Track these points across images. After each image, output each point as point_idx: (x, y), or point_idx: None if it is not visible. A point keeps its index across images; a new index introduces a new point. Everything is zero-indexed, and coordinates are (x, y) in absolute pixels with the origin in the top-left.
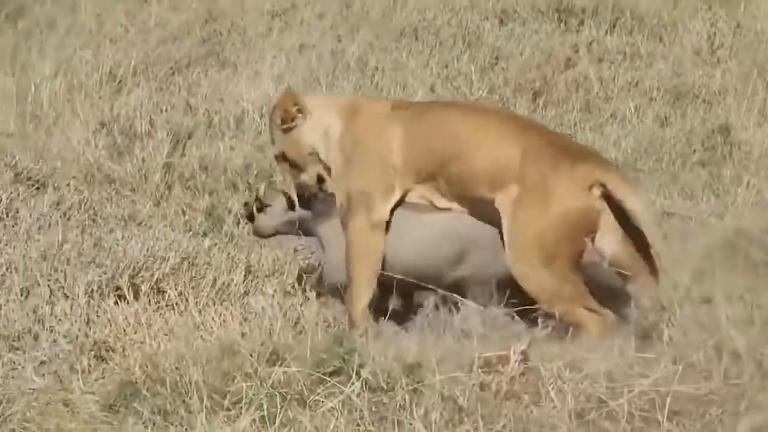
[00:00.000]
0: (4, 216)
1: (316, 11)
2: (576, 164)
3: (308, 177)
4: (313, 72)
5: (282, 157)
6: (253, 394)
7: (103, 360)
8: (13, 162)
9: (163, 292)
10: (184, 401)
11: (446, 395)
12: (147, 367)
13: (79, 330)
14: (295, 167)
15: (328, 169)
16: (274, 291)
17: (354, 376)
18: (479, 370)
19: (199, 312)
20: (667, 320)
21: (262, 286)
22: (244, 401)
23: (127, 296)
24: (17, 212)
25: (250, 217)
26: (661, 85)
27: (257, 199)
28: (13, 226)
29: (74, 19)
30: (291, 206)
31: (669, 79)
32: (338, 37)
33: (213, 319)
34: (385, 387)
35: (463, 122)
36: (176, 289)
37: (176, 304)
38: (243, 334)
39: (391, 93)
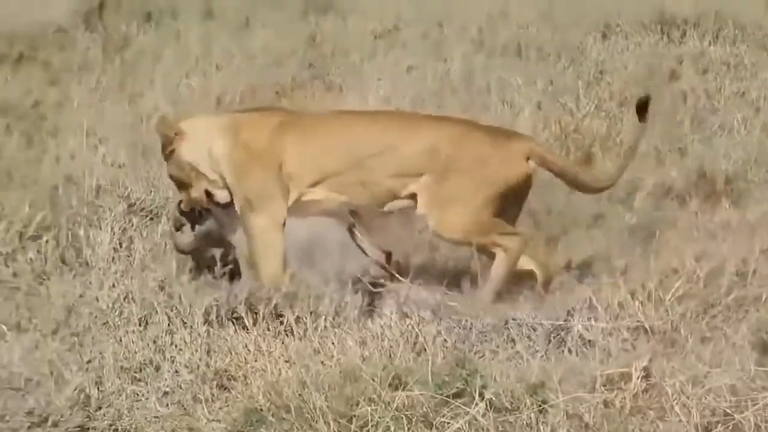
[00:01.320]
0: (119, 247)
1: (418, 32)
2: (511, 140)
3: (197, 193)
4: (419, 93)
5: (173, 180)
6: (379, 418)
7: (225, 389)
8: (126, 193)
9: (281, 316)
10: (311, 425)
11: (571, 413)
12: (270, 394)
13: (200, 359)
14: (184, 187)
15: (213, 184)
16: (391, 312)
17: (477, 397)
18: (602, 388)
19: (318, 336)
20: None
21: (380, 308)
22: (370, 424)
23: (246, 322)
24: (131, 242)
25: (177, 229)
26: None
27: (175, 218)
28: (128, 257)
29: (179, 48)
30: (191, 221)
31: None
32: (443, 58)
33: (332, 343)
34: (509, 407)
35: (368, 125)
36: (294, 314)
37: (294, 329)
38: (363, 358)
39: (498, 111)
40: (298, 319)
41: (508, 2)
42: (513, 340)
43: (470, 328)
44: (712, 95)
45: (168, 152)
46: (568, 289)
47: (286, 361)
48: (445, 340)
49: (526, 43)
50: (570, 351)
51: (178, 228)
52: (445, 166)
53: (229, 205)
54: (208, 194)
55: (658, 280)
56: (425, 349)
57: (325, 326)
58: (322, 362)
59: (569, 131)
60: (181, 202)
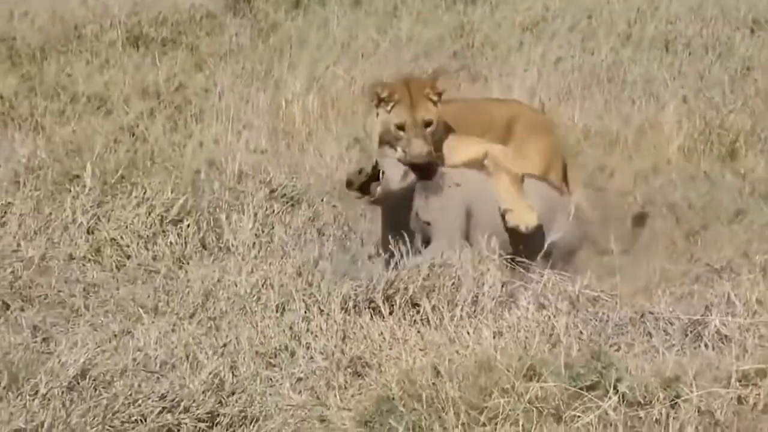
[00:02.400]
0: (261, 233)
1: (566, 24)
2: None
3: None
4: (565, 85)
5: (426, 125)
6: (510, 410)
7: (359, 376)
8: (267, 179)
9: (418, 306)
10: (440, 416)
11: (703, 409)
12: (404, 383)
13: (335, 346)
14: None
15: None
16: (528, 303)
17: (611, 390)
18: (737, 384)
19: (454, 326)
20: None
21: (516, 298)
22: (500, 417)
23: (383, 311)
24: (272, 229)
25: (362, 189)
26: None
27: (376, 166)
28: (269, 243)
29: (326, 35)
30: (416, 170)
31: None
32: (590, 50)
33: (468, 333)
34: (642, 401)
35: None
36: (430, 303)
37: (430, 318)
38: (498, 349)
39: (643, 104)
40: (434, 308)
41: None
42: (649, 334)
43: (606, 321)
44: None
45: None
46: (706, 284)
47: (421, 350)
48: (581, 332)
49: (674, 37)
50: (706, 346)
51: (376, 178)
52: None
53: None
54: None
55: None
56: (560, 341)
57: (461, 316)
58: (457, 351)
59: (714, 126)
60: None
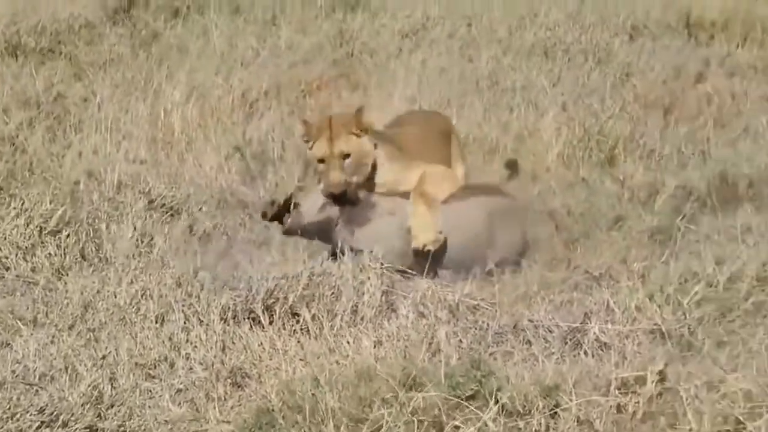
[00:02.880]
0: (140, 243)
1: (445, 31)
2: None
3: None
4: (445, 92)
5: (344, 156)
6: (392, 423)
7: (239, 387)
8: (146, 189)
9: (297, 315)
10: (320, 429)
11: (582, 419)
12: (284, 393)
13: (215, 357)
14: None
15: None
16: (408, 312)
17: (491, 400)
18: (616, 391)
19: (334, 336)
20: None
21: (396, 307)
22: (382, 428)
23: (262, 321)
24: (152, 239)
25: (275, 218)
26: None
27: (289, 198)
28: (148, 253)
29: (205, 44)
30: (336, 201)
31: None
32: (470, 58)
33: (348, 342)
34: (521, 411)
35: None
36: (310, 313)
37: (310, 328)
38: (378, 358)
39: (522, 112)
40: (314, 318)
41: (537, 3)
42: (529, 342)
43: (486, 329)
44: (738, 98)
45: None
46: (585, 292)
47: (301, 360)
48: (461, 341)
49: (554, 44)
50: (586, 353)
51: (291, 209)
52: None
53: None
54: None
55: (677, 284)
56: (441, 350)
57: (341, 325)
58: (337, 361)
59: (593, 132)
60: (298, 186)
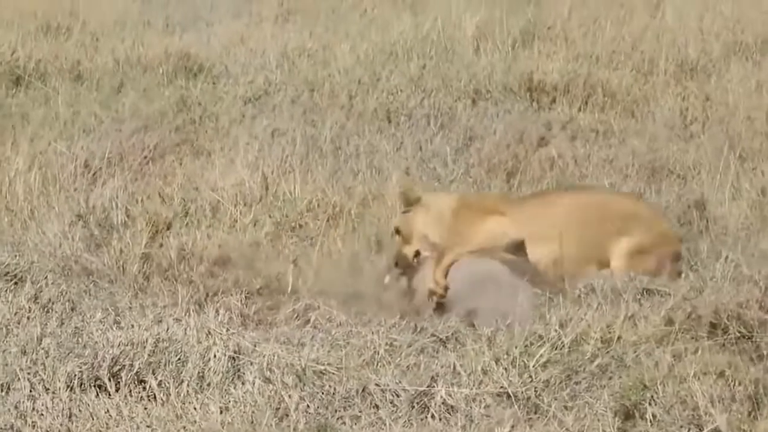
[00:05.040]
0: None
1: (288, 96)
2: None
3: (409, 251)
4: (287, 158)
5: (397, 231)
6: None
7: None
8: None
9: (144, 382)
10: None
11: None
12: None
13: (61, 425)
14: (404, 240)
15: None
16: (254, 377)
17: None
18: None
19: (181, 402)
20: (650, 398)
21: (243, 373)
22: None
23: (108, 388)
24: None
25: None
26: (636, 161)
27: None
28: None
29: (48, 111)
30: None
31: (643, 155)
32: (313, 123)
33: (195, 408)
34: None
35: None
36: (156, 379)
37: (157, 394)
38: (225, 424)
39: (366, 177)
40: (160, 384)
41: (379, 69)
42: (376, 406)
43: (333, 394)
44: (580, 162)
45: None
46: (432, 355)
47: (148, 427)
48: (308, 406)
49: (396, 108)
50: (433, 417)
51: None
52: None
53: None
54: (417, 253)
55: (523, 347)
56: (288, 415)
57: (188, 391)
58: (184, 427)
59: None
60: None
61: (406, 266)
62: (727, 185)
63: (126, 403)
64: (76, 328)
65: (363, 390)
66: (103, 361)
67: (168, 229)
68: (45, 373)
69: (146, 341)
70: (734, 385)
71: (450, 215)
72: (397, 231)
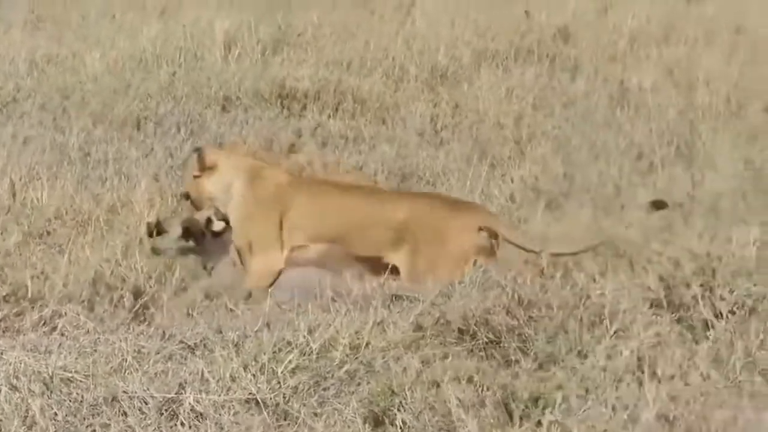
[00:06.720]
0: None
1: (37, 103)
2: (462, 214)
3: (200, 217)
4: (35, 165)
5: (186, 196)
6: None
7: None
8: None
9: None
10: None
11: None
12: None
13: None
14: (193, 206)
15: (217, 214)
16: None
17: None
18: None
19: None
20: (398, 404)
21: None
22: None
23: None
24: None
25: (150, 235)
26: (386, 167)
27: (157, 223)
28: None
29: None
30: (184, 235)
31: (393, 161)
32: (62, 130)
33: None
34: None
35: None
36: None
37: None
38: None
39: (115, 183)
40: None
41: (129, 75)
42: (125, 413)
43: (81, 401)
44: (330, 168)
45: (195, 176)
46: (180, 362)
47: None
48: (56, 414)
49: (146, 116)
50: (183, 424)
51: (158, 233)
52: (415, 240)
53: (218, 236)
54: (208, 221)
55: (272, 353)
56: (36, 423)
57: None
58: None
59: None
60: (172, 215)
61: (197, 233)
62: (477, 191)
63: None
64: None
65: (112, 398)
66: None
67: None
68: None
69: None
70: (483, 390)
71: (242, 188)
72: (187, 196)
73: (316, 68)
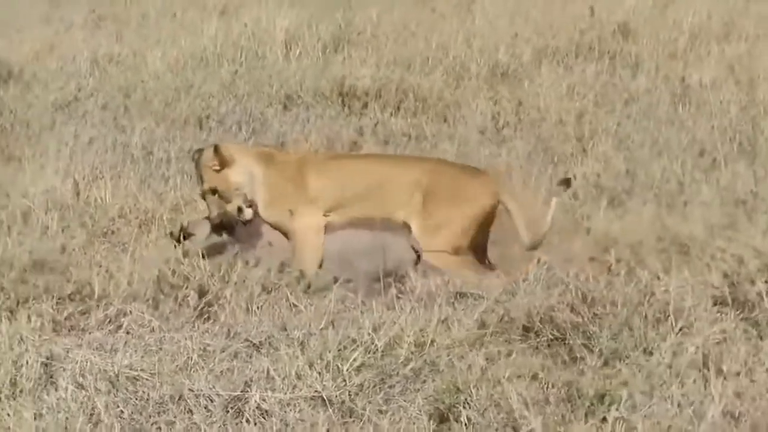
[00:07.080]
0: None
1: (99, 102)
2: (477, 177)
3: (232, 208)
4: (99, 164)
5: (212, 192)
6: None
7: None
8: None
9: None
10: None
11: None
12: None
13: None
14: (223, 199)
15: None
16: (66, 383)
17: None
18: None
19: None
20: (463, 402)
21: (55, 379)
22: None
23: None
24: None
25: (178, 242)
26: None
27: (182, 229)
28: None
29: None
30: (216, 230)
31: (455, 159)
32: (122, 128)
33: (8, 415)
34: None
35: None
36: None
37: None
38: (38, 430)
39: (177, 182)
40: None
41: (191, 74)
42: (191, 411)
43: (147, 399)
44: None
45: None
46: (246, 360)
47: None
48: (122, 411)
49: (208, 114)
50: (248, 422)
51: (186, 238)
52: (430, 197)
53: (247, 224)
54: (239, 210)
55: (336, 351)
56: (102, 421)
57: (1, 398)
58: None
59: None
60: (190, 220)
61: (232, 225)
62: (541, 189)
63: None
64: None
65: (178, 396)
66: None
67: None
68: None
69: None
70: (547, 387)
71: (263, 171)
72: (214, 191)
73: (377, 66)
